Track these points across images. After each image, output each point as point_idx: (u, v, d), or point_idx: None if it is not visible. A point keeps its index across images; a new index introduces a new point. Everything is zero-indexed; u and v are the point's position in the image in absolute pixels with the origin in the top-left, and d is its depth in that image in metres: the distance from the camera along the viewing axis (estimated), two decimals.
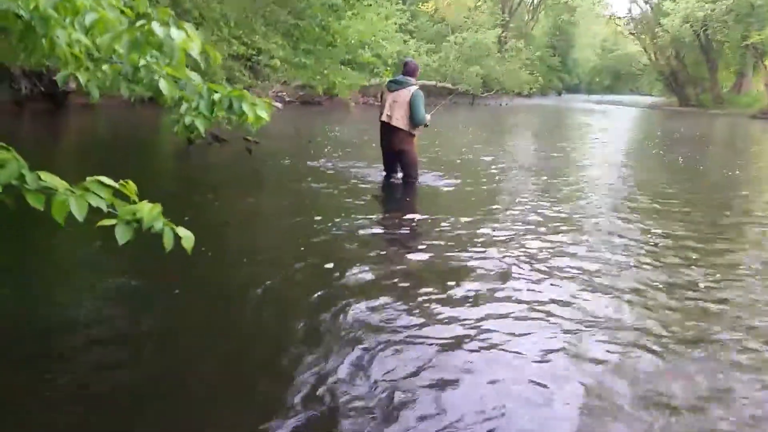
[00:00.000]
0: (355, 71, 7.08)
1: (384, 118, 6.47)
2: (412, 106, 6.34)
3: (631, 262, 4.21)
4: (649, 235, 5.01)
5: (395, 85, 6.52)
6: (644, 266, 4.14)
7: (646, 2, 39.09)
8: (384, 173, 6.92)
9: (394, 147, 6.53)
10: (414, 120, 6.39)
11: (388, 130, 6.49)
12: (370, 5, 28.06)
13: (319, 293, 3.37)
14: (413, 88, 6.44)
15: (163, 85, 1.67)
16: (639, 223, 5.50)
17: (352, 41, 6.07)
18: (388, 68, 7.51)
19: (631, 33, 46.92)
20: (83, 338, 2.76)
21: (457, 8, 38.02)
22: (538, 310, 3.26)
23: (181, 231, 1.60)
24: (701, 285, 3.79)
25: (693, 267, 4.13)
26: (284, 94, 19.77)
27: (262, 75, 15.84)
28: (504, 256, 4.17)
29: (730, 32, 30.37)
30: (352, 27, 11.49)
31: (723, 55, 35.81)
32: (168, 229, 1.56)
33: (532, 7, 51.66)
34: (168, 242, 1.54)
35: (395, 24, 28.35)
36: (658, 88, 48.59)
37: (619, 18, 47.87)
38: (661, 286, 3.72)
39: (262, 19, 5.28)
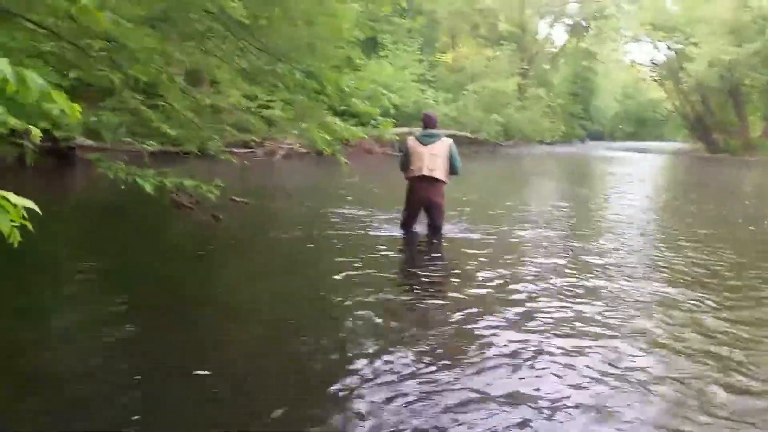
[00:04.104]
0: (349, 122, 6.37)
1: (425, 171, 6.51)
2: (452, 157, 6.57)
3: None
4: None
5: (429, 139, 6.61)
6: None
7: (669, 48, 38.57)
8: (402, 226, 6.89)
9: (433, 199, 6.61)
10: (454, 170, 6.64)
11: (428, 183, 6.54)
12: (386, 56, 28.25)
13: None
14: (449, 140, 6.71)
15: None
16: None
17: (347, 89, 5.38)
18: (389, 119, 6.81)
19: (653, 79, 46.40)
20: None
21: (475, 58, 37.91)
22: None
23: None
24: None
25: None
26: (299, 145, 19.26)
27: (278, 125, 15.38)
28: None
29: (758, 75, 29.47)
30: (365, 75, 11.10)
31: (751, 100, 34.89)
32: None
33: (551, 56, 51.59)
34: None
35: (412, 74, 28.19)
36: (683, 134, 47.65)
37: (640, 64, 47.37)
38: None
39: (223, 63, 4.70)
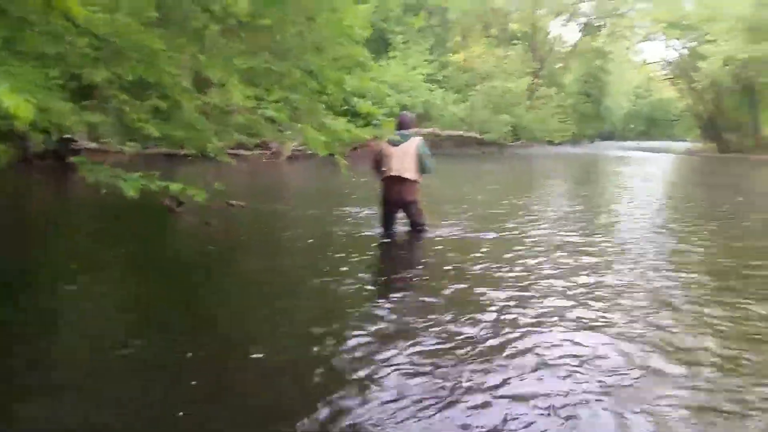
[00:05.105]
0: (355, 123, 6.24)
1: (395, 172, 6.61)
2: (421, 156, 6.63)
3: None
4: None
5: (399, 140, 6.69)
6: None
7: (683, 46, 38.13)
8: (382, 228, 6.96)
9: (406, 198, 6.71)
10: (425, 169, 6.69)
11: (399, 184, 6.65)
12: (395, 56, 28.06)
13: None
14: (418, 139, 6.75)
15: None
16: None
17: (348, 88, 5.16)
18: (392, 119, 6.69)
19: (665, 78, 45.94)
20: None
21: (486, 57, 37.60)
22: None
23: None
24: None
25: None
26: (305, 147, 19.13)
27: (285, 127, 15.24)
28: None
29: None
30: (372, 76, 10.93)
31: (765, 99, 34.35)
32: None
33: (563, 55, 51.18)
34: None
35: (422, 74, 27.99)
36: (694, 133, 47.05)
37: (653, 63, 46.90)
38: None
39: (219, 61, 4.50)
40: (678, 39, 36.92)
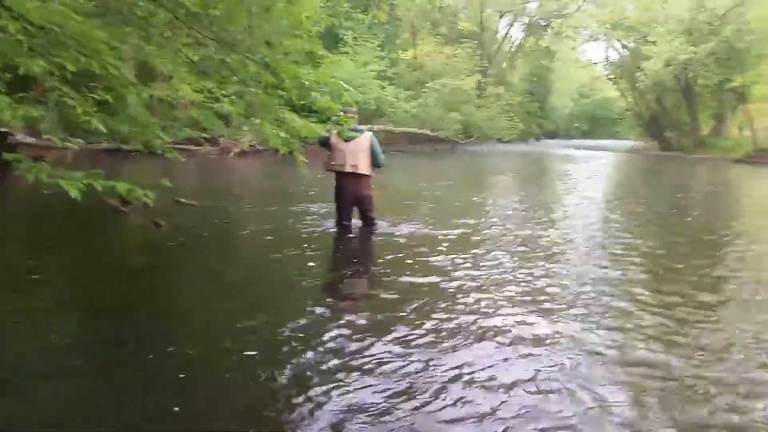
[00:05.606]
0: (310, 119, 6.09)
1: (348, 168, 6.68)
2: (373, 151, 6.76)
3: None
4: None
5: (352, 135, 6.71)
6: None
7: (624, 47, 39.18)
8: (338, 223, 6.98)
9: (360, 192, 6.82)
10: (377, 163, 6.83)
11: (353, 178, 6.73)
12: (347, 52, 27.83)
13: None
14: (369, 134, 6.89)
15: None
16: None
17: (306, 82, 4.98)
18: (351, 116, 6.55)
19: (609, 78, 47.09)
20: None
21: (436, 56, 37.78)
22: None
23: None
24: None
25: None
26: (257, 144, 18.69)
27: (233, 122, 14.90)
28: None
29: (711, 75, 30.05)
30: (326, 71, 10.69)
31: (703, 99, 35.64)
32: None
33: (510, 54, 51.97)
34: None
35: (373, 71, 27.87)
36: (636, 132, 48.47)
37: (596, 63, 47.96)
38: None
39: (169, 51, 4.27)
40: (620, 40, 37.90)
